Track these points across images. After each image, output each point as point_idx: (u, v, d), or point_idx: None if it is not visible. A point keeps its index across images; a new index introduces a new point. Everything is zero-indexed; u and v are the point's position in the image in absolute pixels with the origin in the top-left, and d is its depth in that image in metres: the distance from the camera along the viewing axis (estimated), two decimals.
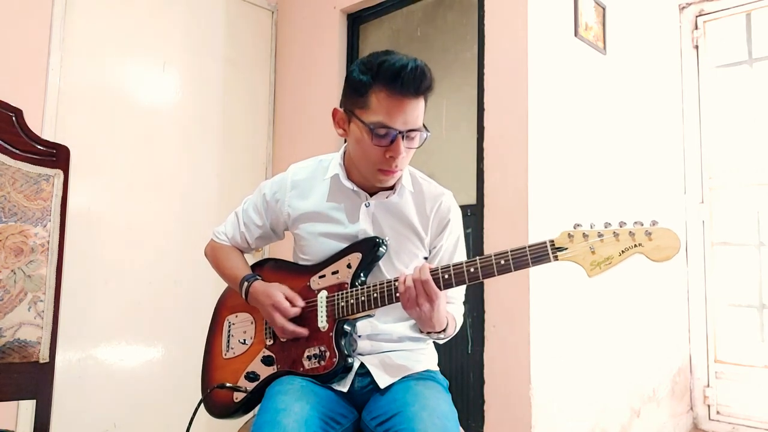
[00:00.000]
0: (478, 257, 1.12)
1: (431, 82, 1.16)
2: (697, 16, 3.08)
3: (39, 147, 1.43)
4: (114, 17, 2.31)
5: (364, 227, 1.27)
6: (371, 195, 1.29)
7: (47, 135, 2.05)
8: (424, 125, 1.19)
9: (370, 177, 1.23)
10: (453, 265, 1.13)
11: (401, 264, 1.29)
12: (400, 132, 1.14)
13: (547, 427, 1.95)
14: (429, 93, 1.17)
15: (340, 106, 1.24)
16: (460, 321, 1.34)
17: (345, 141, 1.30)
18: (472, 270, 1.11)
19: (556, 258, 1.06)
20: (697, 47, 3.07)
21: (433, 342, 1.35)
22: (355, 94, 1.18)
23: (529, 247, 1.07)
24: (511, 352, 1.95)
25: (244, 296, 1.31)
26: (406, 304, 1.13)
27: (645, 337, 2.62)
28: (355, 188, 1.28)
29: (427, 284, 1.11)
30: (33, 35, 2.08)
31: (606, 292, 2.35)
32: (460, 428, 1.16)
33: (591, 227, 1.05)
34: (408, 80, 1.11)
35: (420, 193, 1.31)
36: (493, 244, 2.01)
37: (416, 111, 1.15)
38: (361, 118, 1.16)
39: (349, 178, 1.29)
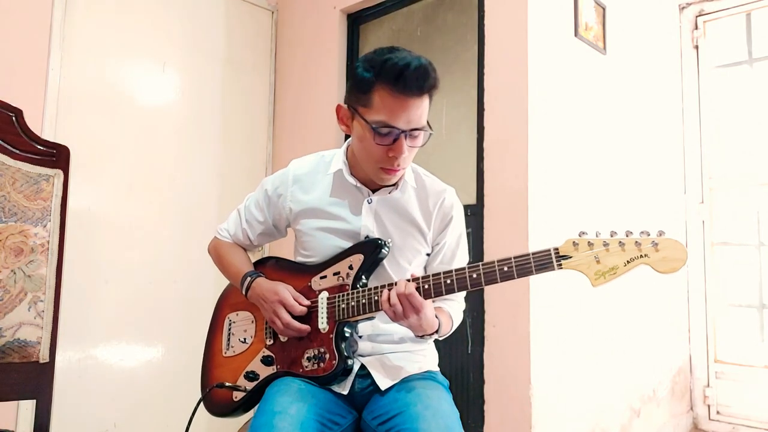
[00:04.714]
0: (480, 263, 1.11)
1: (435, 81, 1.14)
2: (697, 16, 3.08)
3: (39, 147, 1.43)
4: (114, 17, 2.31)
5: (366, 223, 1.27)
6: (374, 191, 1.28)
7: (47, 135, 2.05)
8: (428, 123, 1.18)
9: (372, 175, 1.23)
10: (455, 271, 1.13)
11: (404, 261, 1.28)
12: (402, 131, 1.13)
13: (547, 427, 1.95)
14: (433, 91, 1.16)
15: (345, 103, 1.23)
16: (459, 318, 1.34)
17: (345, 138, 1.30)
18: (474, 276, 1.11)
19: (560, 266, 1.05)
20: (697, 47, 3.07)
21: (434, 340, 1.35)
22: (358, 91, 1.16)
23: (533, 254, 1.06)
24: (511, 352, 1.95)
25: (244, 292, 1.31)
26: (394, 318, 1.14)
27: (645, 337, 2.62)
28: (358, 184, 1.27)
29: (411, 297, 1.10)
30: (33, 35, 2.08)
31: (606, 292, 2.34)
32: (462, 428, 1.16)
33: (596, 236, 1.04)
34: (411, 79, 1.10)
35: (423, 189, 1.31)
36: (493, 244, 2.01)
37: (419, 110, 1.14)
38: (364, 117, 1.15)
39: (352, 173, 1.28)
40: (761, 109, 2.89)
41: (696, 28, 3.08)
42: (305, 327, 1.23)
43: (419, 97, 1.13)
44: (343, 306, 1.21)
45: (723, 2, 2.99)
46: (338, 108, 1.25)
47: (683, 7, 3.10)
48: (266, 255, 2.63)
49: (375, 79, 1.12)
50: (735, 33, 3.01)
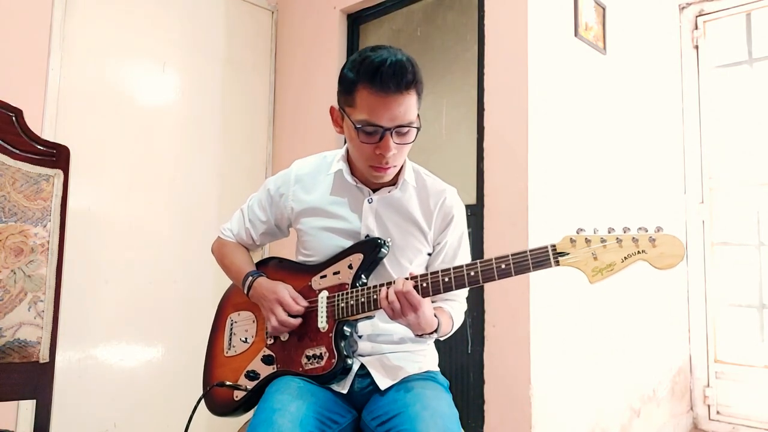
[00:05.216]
0: (478, 261, 1.11)
1: (414, 76, 1.13)
2: (697, 16, 3.08)
3: (39, 147, 1.43)
4: (114, 17, 2.31)
5: (366, 223, 1.27)
6: (374, 191, 1.28)
7: (47, 135, 2.05)
8: (419, 117, 1.18)
9: (365, 173, 1.23)
10: (453, 269, 1.13)
11: (405, 260, 1.28)
12: (387, 129, 1.13)
13: (547, 427, 1.95)
14: (415, 87, 1.14)
15: (337, 104, 1.24)
16: (460, 318, 1.34)
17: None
18: (472, 274, 1.11)
19: (557, 263, 1.04)
20: (697, 47, 3.07)
21: (434, 341, 1.35)
22: (344, 92, 1.17)
23: (530, 251, 1.06)
24: (511, 352, 1.95)
25: (246, 290, 1.32)
26: (392, 316, 1.14)
27: (645, 337, 2.62)
28: (358, 184, 1.28)
29: (409, 295, 1.10)
30: (33, 35, 2.08)
31: (606, 292, 2.35)
32: (461, 429, 1.16)
33: (594, 232, 1.04)
34: (387, 76, 1.09)
35: (424, 189, 1.31)
36: (494, 244, 2.01)
37: (402, 107, 1.13)
38: (350, 116, 1.16)
39: (353, 173, 1.29)
40: (761, 109, 2.89)
41: (696, 28, 3.08)
42: (296, 321, 1.23)
43: (399, 93, 1.11)
44: (343, 305, 1.21)
45: (723, 2, 2.99)
46: (331, 110, 1.26)
47: (683, 7, 3.10)
48: (267, 255, 2.65)
49: (356, 78, 1.13)
50: (735, 33, 3.01)
